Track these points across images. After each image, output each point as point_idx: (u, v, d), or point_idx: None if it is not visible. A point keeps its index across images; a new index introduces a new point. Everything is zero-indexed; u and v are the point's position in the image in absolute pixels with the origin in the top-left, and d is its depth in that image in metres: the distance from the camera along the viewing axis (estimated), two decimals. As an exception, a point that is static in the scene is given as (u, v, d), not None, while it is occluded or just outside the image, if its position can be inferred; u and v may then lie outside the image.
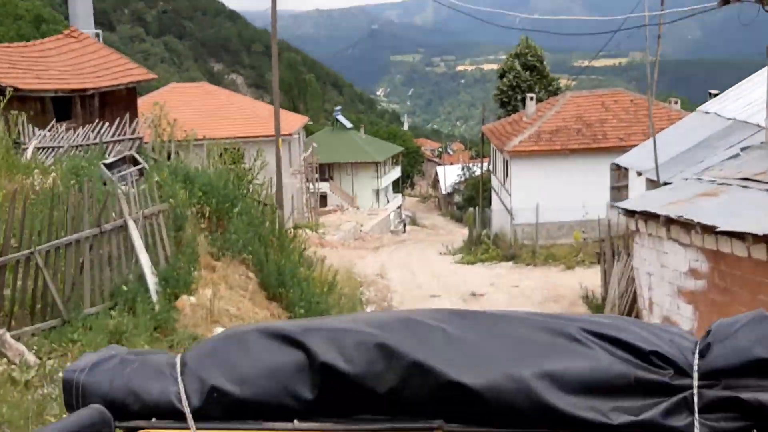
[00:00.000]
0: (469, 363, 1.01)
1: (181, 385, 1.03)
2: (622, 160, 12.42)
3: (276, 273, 9.42)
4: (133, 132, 12.46)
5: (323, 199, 54.32)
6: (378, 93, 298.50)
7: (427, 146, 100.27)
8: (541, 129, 25.07)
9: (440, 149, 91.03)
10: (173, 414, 1.03)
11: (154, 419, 1.03)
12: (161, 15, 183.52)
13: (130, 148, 12.27)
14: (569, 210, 23.52)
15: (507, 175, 26.11)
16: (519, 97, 34.03)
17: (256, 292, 9.04)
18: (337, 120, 55.21)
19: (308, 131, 62.17)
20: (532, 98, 27.17)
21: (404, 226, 45.07)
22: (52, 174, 9.42)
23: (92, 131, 12.76)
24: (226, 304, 8.05)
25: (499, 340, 1.04)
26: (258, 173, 12.91)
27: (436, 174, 74.33)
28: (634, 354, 1.02)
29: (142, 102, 33.06)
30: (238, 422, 1.02)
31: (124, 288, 7.20)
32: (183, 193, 9.67)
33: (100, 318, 6.67)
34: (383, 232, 40.23)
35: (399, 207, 57.32)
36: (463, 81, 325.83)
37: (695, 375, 0.99)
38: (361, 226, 38.28)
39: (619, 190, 25.24)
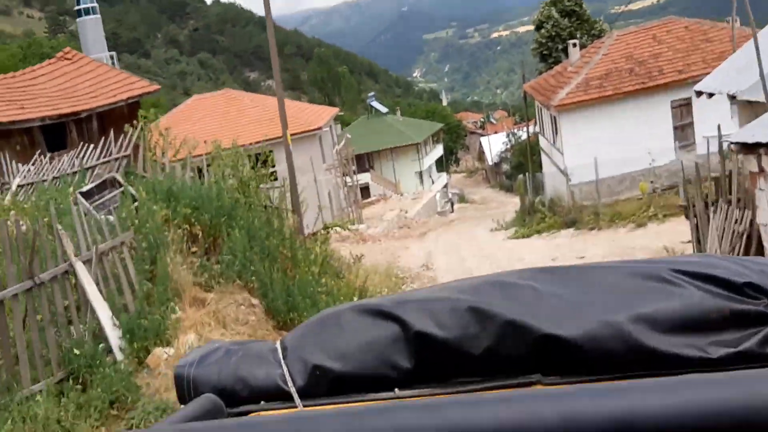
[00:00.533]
0: (562, 315, 1.00)
1: (284, 367, 1.06)
2: (705, 85, 10.15)
3: (285, 295, 7.70)
4: (120, 150, 10.93)
5: (365, 190, 52.78)
6: (414, 74, 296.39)
7: (469, 119, 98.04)
8: (588, 76, 22.58)
9: (482, 120, 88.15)
10: (280, 395, 1.05)
11: (262, 402, 1.06)
12: (192, 33, 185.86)
13: (117, 169, 10.78)
14: (630, 161, 21.06)
15: (556, 133, 23.74)
16: (560, 47, 31.34)
17: (262, 323, 7.34)
18: (372, 106, 53.32)
19: (344, 123, 60.72)
20: (575, 45, 24.60)
21: (451, 205, 42.93)
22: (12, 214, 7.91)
23: (77, 156, 11.35)
24: (217, 346, 6.37)
25: (590, 291, 1.03)
26: (268, 176, 11.22)
27: (481, 145, 72.12)
28: (726, 288, 1.01)
29: (165, 120, 32.10)
30: (342, 396, 1.04)
31: (76, 352, 5.58)
32: (164, 213, 8.05)
33: (44, 400, 5.06)
34: (430, 215, 38.26)
35: (445, 186, 55.26)
36: (499, 48, 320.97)
37: None
38: (406, 212, 36.43)
39: (683, 129, 22.57)
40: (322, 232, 15.25)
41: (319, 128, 27.80)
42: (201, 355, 1.13)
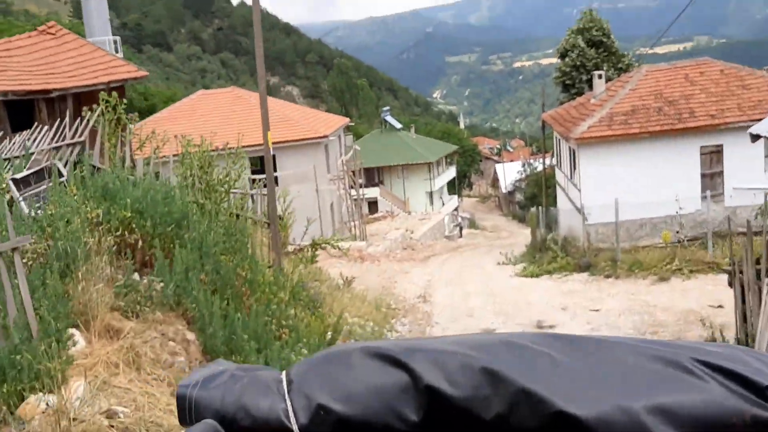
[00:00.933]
0: (578, 392, 0.95)
1: (288, 402, 1.02)
2: (763, 128, 8.63)
3: (228, 330, 6.12)
4: (75, 135, 9.44)
5: (373, 205, 51.43)
6: (435, 95, 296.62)
7: (485, 144, 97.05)
8: (613, 110, 21.05)
9: (499, 147, 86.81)
10: (281, 430, 1.01)
11: None
12: (216, 33, 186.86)
13: (71, 155, 9.29)
14: (651, 205, 19.50)
15: (574, 168, 22.18)
16: (584, 77, 29.80)
17: (194, 365, 5.76)
18: (386, 121, 51.96)
19: (357, 135, 59.41)
20: (600, 76, 23.06)
21: (460, 230, 41.28)
22: None
23: (29, 138, 9.87)
24: (118, 397, 4.80)
25: (608, 369, 0.99)
26: (235, 181, 9.72)
27: (496, 172, 70.90)
28: (749, 389, 0.95)
29: (168, 112, 30.82)
30: None
31: None
32: (95, 213, 6.52)
33: None
34: (437, 237, 36.68)
35: (456, 209, 53.80)
36: (521, 77, 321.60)
37: None
38: (411, 233, 34.88)
39: (711, 178, 20.96)
40: (310, 249, 13.70)
41: (325, 136, 26.33)
42: (205, 376, 1.07)
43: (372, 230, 36.81)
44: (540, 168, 57.82)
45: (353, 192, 31.75)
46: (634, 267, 14.75)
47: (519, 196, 60.55)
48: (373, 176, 52.18)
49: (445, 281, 18.29)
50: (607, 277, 14.91)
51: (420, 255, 26.09)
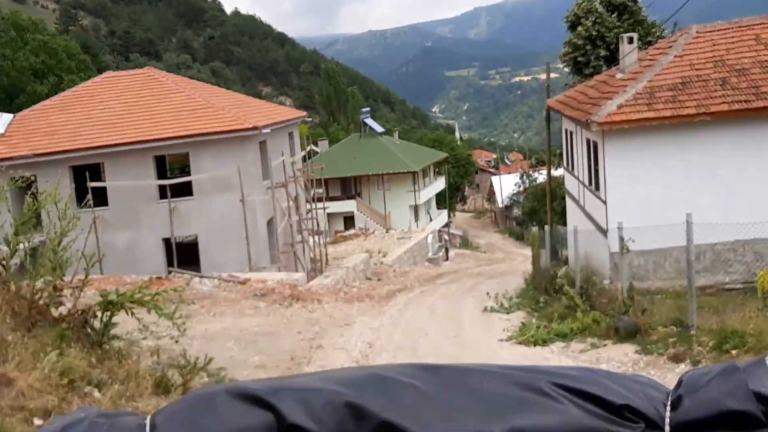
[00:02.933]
0: (440, 421, 1.00)
1: None
2: None
3: None
4: None
5: (349, 220, 44.42)
6: (433, 110, 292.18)
7: (483, 157, 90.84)
8: (653, 84, 14.30)
9: (496, 159, 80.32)
10: None
11: None
12: (208, 41, 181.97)
13: None
14: (719, 224, 12.64)
15: (595, 170, 15.40)
16: (602, 53, 23.00)
17: None
18: (365, 123, 45.24)
19: (334, 140, 52.49)
20: (631, 39, 16.19)
21: (446, 251, 34.41)
22: None
23: None
24: None
25: (470, 396, 1.03)
26: None
27: (492, 185, 64.36)
28: (605, 408, 1.00)
29: (60, 99, 24.27)
30: None
31: None
32: None
33: None
34: (417, 261, 29.82)
35: (446, 225, 46.92)
36: (519, 92, 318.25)
37: (667, 428, 0.99)
38: (383, 256, 27.91)
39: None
40: (95, 313, 6.94)
41: (255, 128, 19.52)
42: (64, 425, 1.05)
43: (340, 251, 29.94)
44: (541, 179, 51.24)
45: (308, 206, 24.94)
46: (725, 341, 7.74)
47: (517, 211, 54.09)
48: (349, 187, 45.31)
49: (400, 342, 11.47)
50: (676, 360, 7.88)
51: (383, 290, 19.22)
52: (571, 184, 19.54)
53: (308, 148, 25.24)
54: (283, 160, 21.65)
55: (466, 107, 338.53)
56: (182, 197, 19.98)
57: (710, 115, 13.58)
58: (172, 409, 1.05)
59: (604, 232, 14.19)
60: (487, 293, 15.90)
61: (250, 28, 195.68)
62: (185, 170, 22.15)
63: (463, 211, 66.67)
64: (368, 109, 48.85)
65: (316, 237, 25.37)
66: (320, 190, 27.50)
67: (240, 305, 15.62)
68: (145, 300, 6.87)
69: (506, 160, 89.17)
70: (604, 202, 14.48)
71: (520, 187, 51.53)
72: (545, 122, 21.31)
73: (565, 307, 11.48)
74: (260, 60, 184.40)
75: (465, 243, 47.10)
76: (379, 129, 45.53)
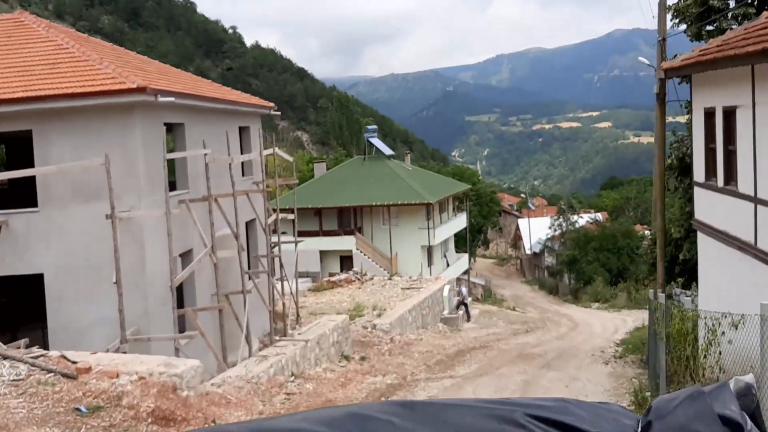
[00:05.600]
0: None
1: None
2: None
3: None
4: None
5: (347, 261, 35.98)
6: (453, 154, 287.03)
7: (505, 200, 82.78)
8: None
9: (522, 200, 72.34)
10: None
11: None
12: (226, 72, 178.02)
13: None
14: None
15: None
16: (731, 4, 15.07)
17: None
18: (370, 143, 37.27)
19: (336, 163, 44.48)
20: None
21: (466, 308, 25.91)
22: None
23: None
24: None
25: (447, 430, 1.03)
26: None
27: (518, 229, 55.94)
28: None
29: None
30: None
31: None
32: None
33: None
34: (426, 322, 21.45)
35: (466, 272, 38.42)
36: (540, 140, 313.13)
37: None
38: (379, 315, 19.45)
39: None
40: None
41: (143, 90, 11.48)
42: None
43: (322, 305, 21.67)
44: (580, 223, 42.93)
45: (273, 241, 16.73)
46: None
47: (549, 260, 45.55)
48: (347, 219, 36.93)
49: None
50: None
51: (362, 385, 10.83)
52: (711, 211, 11.17)
53: (272, 151, 17.21)
54: (214, 158, 13.49)
55: (486, 153, 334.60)
56: (17, 208, 11.99)
57: None
58: None
59: None
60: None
61: (270, 61, 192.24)
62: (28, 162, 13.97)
63: (485, 256, 58.37)
64: (375, 127, 40.93)
65: (286, 282, 17.07)
66: (291, 216, 19.30)
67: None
68: None
69: (530, 205, 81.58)
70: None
71: (556, 231, 43.12)
72: (658, 104, 13.06)
73: None
74: (278, 93, 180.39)
75: (488, 294, 38.71)
76: (388, 151, 37.66)
